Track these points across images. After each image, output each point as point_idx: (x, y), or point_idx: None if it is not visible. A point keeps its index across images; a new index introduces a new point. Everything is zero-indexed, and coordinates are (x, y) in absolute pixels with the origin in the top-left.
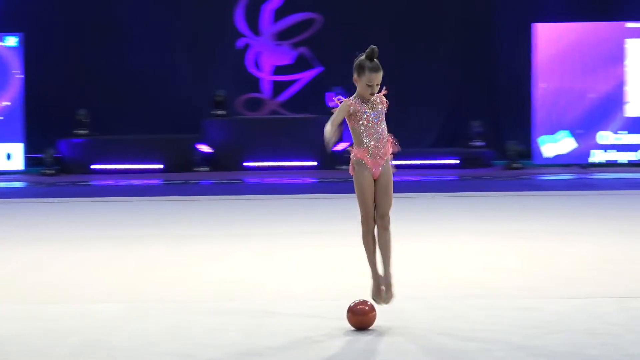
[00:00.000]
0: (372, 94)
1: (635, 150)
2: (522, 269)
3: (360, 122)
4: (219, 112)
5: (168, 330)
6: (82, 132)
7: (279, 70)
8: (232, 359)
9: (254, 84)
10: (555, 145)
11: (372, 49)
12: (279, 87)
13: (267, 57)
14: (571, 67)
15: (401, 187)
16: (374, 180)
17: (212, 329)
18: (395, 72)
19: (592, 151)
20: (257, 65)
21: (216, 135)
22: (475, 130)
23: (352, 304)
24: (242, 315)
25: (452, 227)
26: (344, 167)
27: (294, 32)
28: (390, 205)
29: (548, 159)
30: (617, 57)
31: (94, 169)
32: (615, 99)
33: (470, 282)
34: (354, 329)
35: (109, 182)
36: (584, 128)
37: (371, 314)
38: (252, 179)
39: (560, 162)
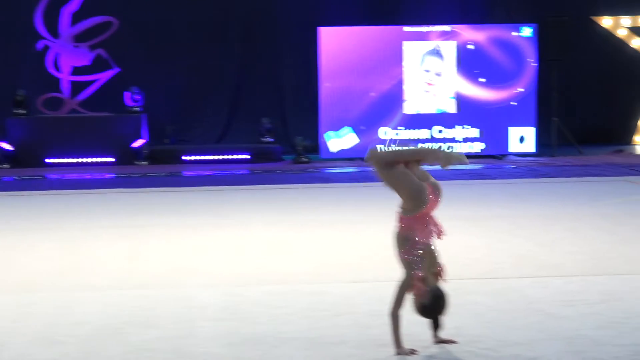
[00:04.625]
0: None
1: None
2: (311, 256)
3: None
4: (20, 111)
5: None
6: None
7: (77, 71)
8: (36, 348)
9: (53, 84)
10: (340, 140)
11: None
12: (77, 87)
13: (65, 58)
14: (354, 68)
15: (194, 182)
16: None
17: (16, 319)
18: (184, 72)
19: (376, 146)
20: (56, 66)
21: (18, 134)
22: (265, 127)
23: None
24: (46, 305)
25: (245, 218)
26: (142, 162)
27: (91, 34)
28: None
29: (334, 153)
30: (395, 59)
31: None
32: (394, 97)
33: (263, 270)
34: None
35: None
36: (366, 124)
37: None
38: (53, 175)
39: (345, 156)
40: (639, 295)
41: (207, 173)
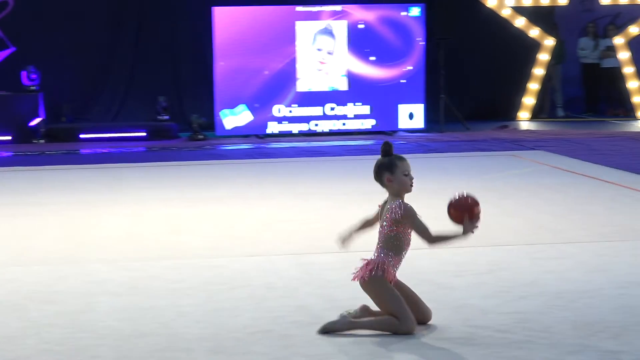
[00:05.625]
0: (412, 185)
1: (306, 122)
2: (208, 231)
3: (409, 231)
4: None
5: None
6: None
7: None
8: None
9: None
10: (235, 117)
11: (388, 145)
12: None
13: None
14: (248, 47)
15: (91, 159)
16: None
17: None
18: (80, 50)
19: (269, 123)
20: None
21: None
22: (161, 105)
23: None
24: None
25: (142, 195)
26: (39, 140)
27: None
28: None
29: (229, 130)
30: (288, 38)
31: None
32: (287, 75)
33: (161, 245)
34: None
35: None
36: (261, 102)
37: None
38: None
39: (240, 133)
40: (522, 265)
41: (104, 151)
